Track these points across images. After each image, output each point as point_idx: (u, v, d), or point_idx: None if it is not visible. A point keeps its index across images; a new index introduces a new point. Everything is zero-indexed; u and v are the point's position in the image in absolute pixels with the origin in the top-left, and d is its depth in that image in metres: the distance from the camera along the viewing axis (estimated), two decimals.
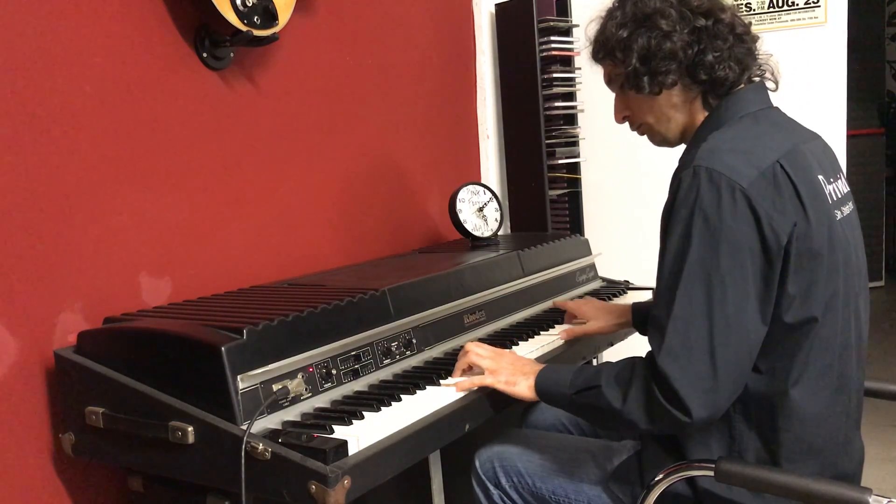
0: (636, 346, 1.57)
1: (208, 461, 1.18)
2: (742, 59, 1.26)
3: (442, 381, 1.40)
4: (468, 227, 2.16)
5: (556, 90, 2.67)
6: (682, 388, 1.10)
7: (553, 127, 2.71)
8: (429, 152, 2.51)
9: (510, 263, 1.91)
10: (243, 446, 1.10)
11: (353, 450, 1.11)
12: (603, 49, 1.34)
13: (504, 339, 1.65)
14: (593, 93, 2.67)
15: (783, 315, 1.14)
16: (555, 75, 2.65)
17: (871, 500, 1.04)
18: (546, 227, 2.69)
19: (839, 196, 1.25)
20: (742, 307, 1.11)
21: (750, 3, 2.59)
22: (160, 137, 1.64)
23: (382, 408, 1.27)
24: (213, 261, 1.76)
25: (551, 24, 2.64)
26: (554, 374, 1.31)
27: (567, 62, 2.71)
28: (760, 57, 1.32)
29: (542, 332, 1.73)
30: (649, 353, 1.17)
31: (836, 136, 2.47)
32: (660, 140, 1.38)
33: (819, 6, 2.51)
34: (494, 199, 2.25)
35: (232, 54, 1.78)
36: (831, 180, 1.24)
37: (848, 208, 1.27)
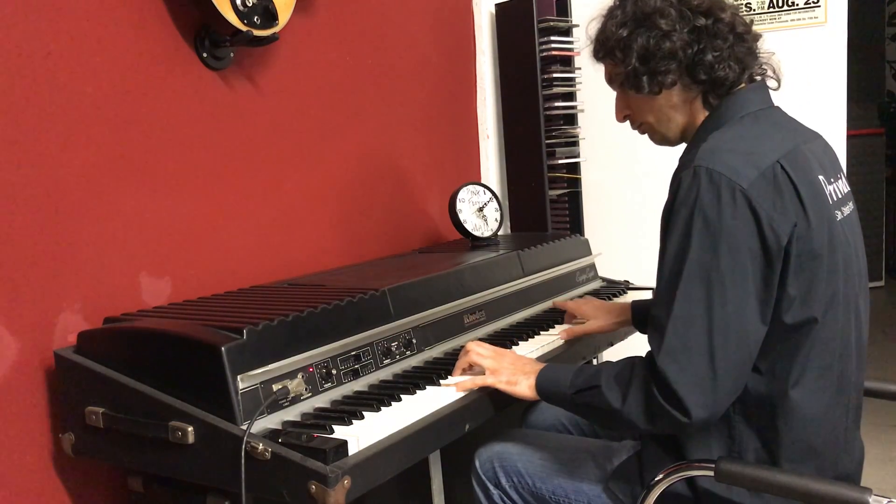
0: (636, 345, 1.57)
1: (208, 461, 1.18)
2: (742, 59, 1.26)
3: (442, 381, 1.40)
4: (468, 227, 2.16)
5: (556, 90, 2.67)
6: (681, 388, 1.10)
7: (553, 127, 2.71)
8: (429, 152, 2.51)
9: (510, 263, 1.91)
10: (243, 446, 1.10)
11: (353, 450, 1.11)
12: (603, 48, 1.34)
13: (504, 339, 1.65)
14: (593, 93, 2.67)
15: (783, 316, 1.14)
16: (555, 75, 2.65)
17: (871, 500, 1.04)
18: (546, 227, 2.69)
19: (839, 196, 1.25)
20: (742, 308, 1.11)
21: (750, 3, 2.59)
22: (160, 137, 1.64)
23: (382, 408, 1.27)
24: (213, 261, 1.76)
25: (551, 24, 2.64)
26: (554, 374, 1.32)
27: (567, 62, 2.71)
28: (762, 56, 1.31)
29: (542, 332, 1.73)
30: (649, 354, 1.17)
31: (836, 136, 2.47)
32: (660, 139, 1.38)
33: (819, 6, 2.51)
34: (494, 199, 2.25)
35: (232, 54, 1.78)
36: (832, 180, 1.24)
37: (848, 208, 1.27)
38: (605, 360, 2.36)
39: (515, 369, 1.36)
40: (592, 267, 2.25)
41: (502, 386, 1.35)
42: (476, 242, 2.18)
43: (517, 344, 1.64)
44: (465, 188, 2.18)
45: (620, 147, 2.73)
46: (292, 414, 1.25)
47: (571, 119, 2.74)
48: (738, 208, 1.10)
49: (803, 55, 2.52)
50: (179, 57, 1.67)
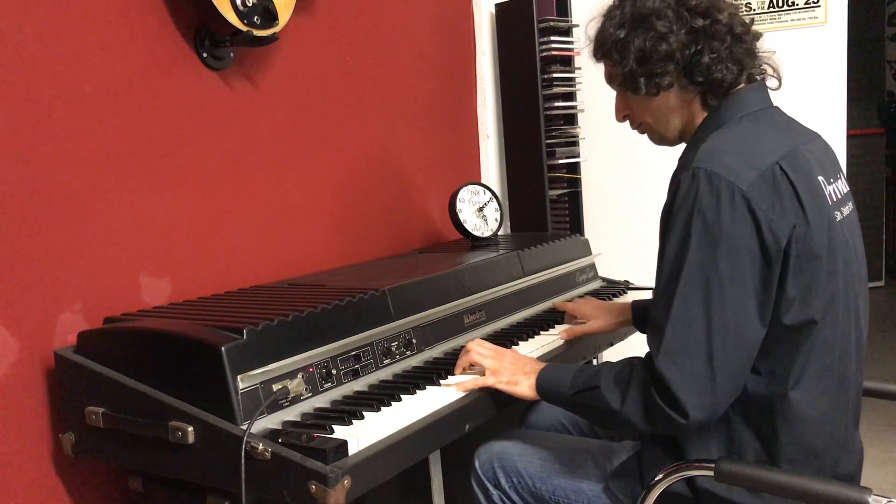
0: (636, 345, 1.57)
1: (208, 461, 1.18)
2: (740, 60, 1.25)
3: (442, 381, 1.40)
4: (468, 227, 2.16)
5: (556, 90, 2.67)
6: (680, 390, 1.11)
7: (553, 127, 2.71)
8: (429, 152, 2.51)
9: (510, 263, 1.91)
10: (243, 446, 1.10)
11: (353, 450, 1.11)
12: (601, 49, 1.34)
13: (504, 340, 1.65)
14: (593, 93, 2.67)
15: (782, 317, 1.13)
16: (555, 75, 2.65)
17: (870, 500, 1.04)
18: (546, 227, 2.69)
19: (839, 196, 1.25)
20: (741, 309, 1.11)
21: (750, 3, 2.59)
22: (160, 137, 1.64)
23: (382, 408, 1.28)
24: (213, 261, 1.76)
25: (551, 24, 2.64)
26: (555, 374, 1.32)
27: (567, 62, 2.71)
28: (762, 55, 1.31)
29: (542, 332, 1.73)
30: (648, 355, 1.17)
31: (836, 136, 2.47)
32: (659, 139, 1.38)
33: (819, 6, 2.51)
34: (494, 199, 2.25)
35: (232, 54, 1.78)
36: (831, 181, 1.24)
37: (848, 209, 1.27)
38: (605, 360, 2.36)
39: (516, 369, 1.37)
40: (592, 267, 2.25)
41: (503, 386, 1.35)
42: (476, 242, 2.18)
43: (517, 344, 1.64)
44: (465, 188, 2.18)
45: (620, 147, 2.73)
46: (292, 414, 1.25)
47: (571, 119, 2.74)
48: (737, 210, 1.10)
49: (803, 55, 2.53)
50: (179, 57, 1.68)
